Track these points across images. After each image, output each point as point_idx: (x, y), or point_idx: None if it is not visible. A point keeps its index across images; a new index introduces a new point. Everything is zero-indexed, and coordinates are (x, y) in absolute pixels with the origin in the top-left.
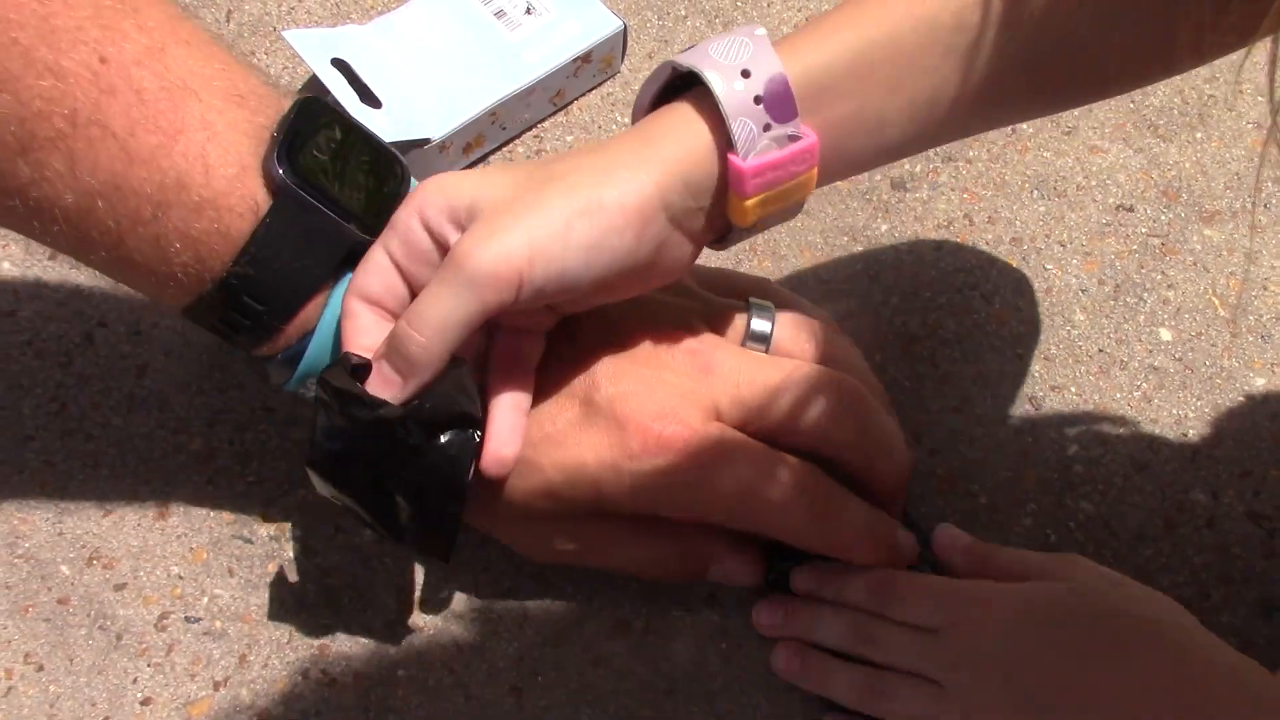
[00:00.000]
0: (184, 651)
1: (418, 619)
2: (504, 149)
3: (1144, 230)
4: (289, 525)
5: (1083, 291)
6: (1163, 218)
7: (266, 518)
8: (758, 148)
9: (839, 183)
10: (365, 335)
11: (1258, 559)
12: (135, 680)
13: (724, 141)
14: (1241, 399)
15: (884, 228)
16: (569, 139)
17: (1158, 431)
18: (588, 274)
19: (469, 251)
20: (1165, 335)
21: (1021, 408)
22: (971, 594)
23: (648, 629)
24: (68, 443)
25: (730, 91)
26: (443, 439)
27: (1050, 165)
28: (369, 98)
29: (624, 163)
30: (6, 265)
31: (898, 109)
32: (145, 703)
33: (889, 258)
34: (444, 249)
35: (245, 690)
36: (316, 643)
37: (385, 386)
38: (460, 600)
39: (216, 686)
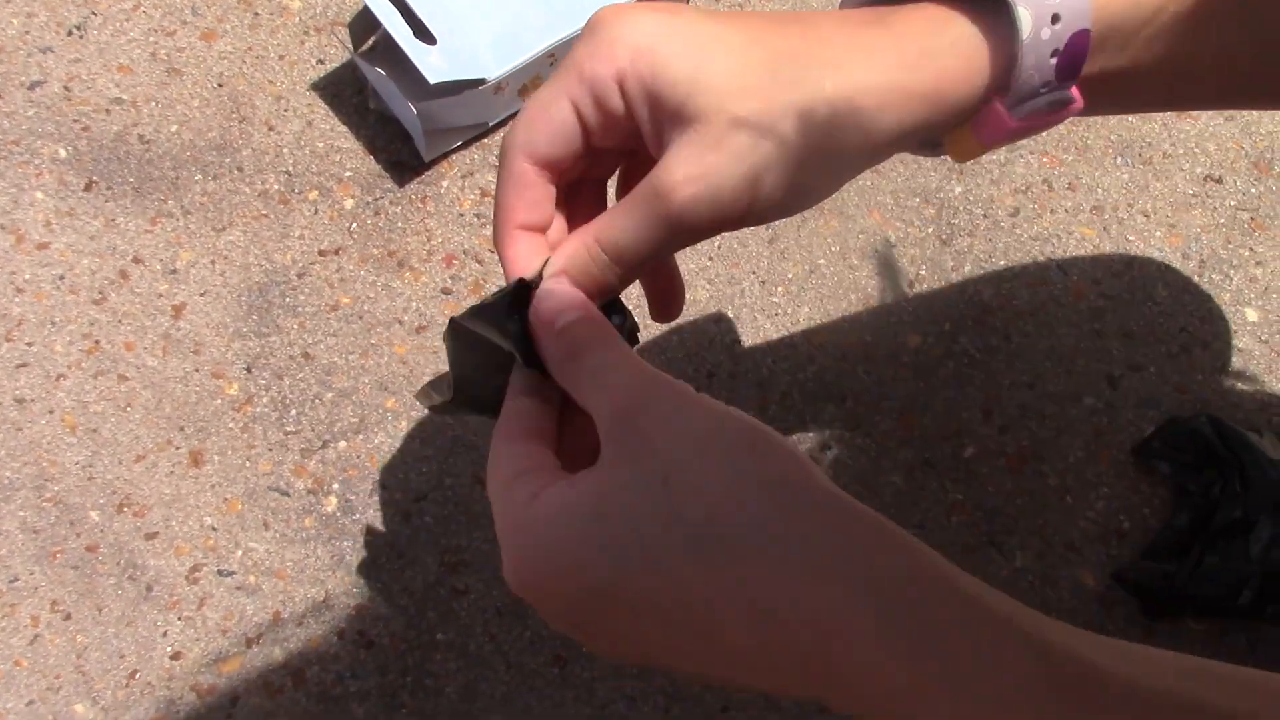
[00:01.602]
0: (216, 606)
1: (458, 582)
2: None
3: (1233, 203)
4: (327, 479)
5: (1166, 266)
6: (1253, 190)
7: (304, 470)
8: (1028, 107)
9: None
10: (533, 212)
11: None
12: (165, 633)
13: (998, 82)
14: None
15: (958, 190)
16: None
17: (1241, 415)
18: (797, 211)
19: (680, 189)
20: (1251, 315)
21: (1098, 386)
22: None
23: None
24: (100, 383)
25: (1036, 41)
26: None
27: (1135, 130)
28: (423, 33)
29: (883, 92)
30: (39, 195)
31: (1170, 73)
32: (175, 657)
33: (962, 222)
34: (639, 129)
35: (279, 649)
36: (354, 603)
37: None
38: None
39: (249, 643)
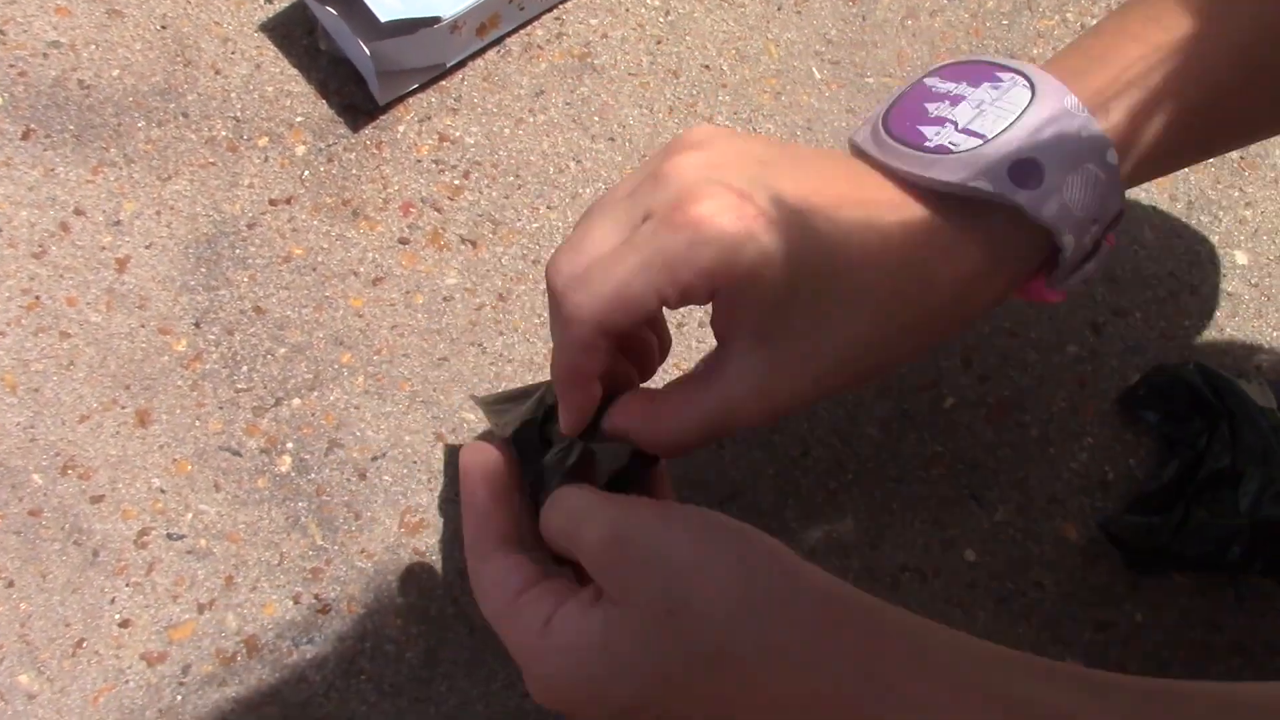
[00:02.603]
0: (165, 571)
1: (419, 542)
2: (522, 30)
3: None
4: (280, 437)
5: (1153, 209)
6: None
7: (256, 429)
8: (1072, 279)
9: (889, 79)
10: (597, 366)
11: None
12: (113, 600)
13: (1035, 269)
14: None
15: None
16: (593, 21)
17: (1230, 362)
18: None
19: (743, 406)
20: (1241, 258)
21: (1081, 333)
22: None
23: None
24: (41, 341)
25: (1078, 248)
26: None
27: None
28: None
29: (931, 310)
30: None
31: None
32: (124, 625)
33: None
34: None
35: (231, 615)
36: (309, 566)
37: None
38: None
39: (201, 609)
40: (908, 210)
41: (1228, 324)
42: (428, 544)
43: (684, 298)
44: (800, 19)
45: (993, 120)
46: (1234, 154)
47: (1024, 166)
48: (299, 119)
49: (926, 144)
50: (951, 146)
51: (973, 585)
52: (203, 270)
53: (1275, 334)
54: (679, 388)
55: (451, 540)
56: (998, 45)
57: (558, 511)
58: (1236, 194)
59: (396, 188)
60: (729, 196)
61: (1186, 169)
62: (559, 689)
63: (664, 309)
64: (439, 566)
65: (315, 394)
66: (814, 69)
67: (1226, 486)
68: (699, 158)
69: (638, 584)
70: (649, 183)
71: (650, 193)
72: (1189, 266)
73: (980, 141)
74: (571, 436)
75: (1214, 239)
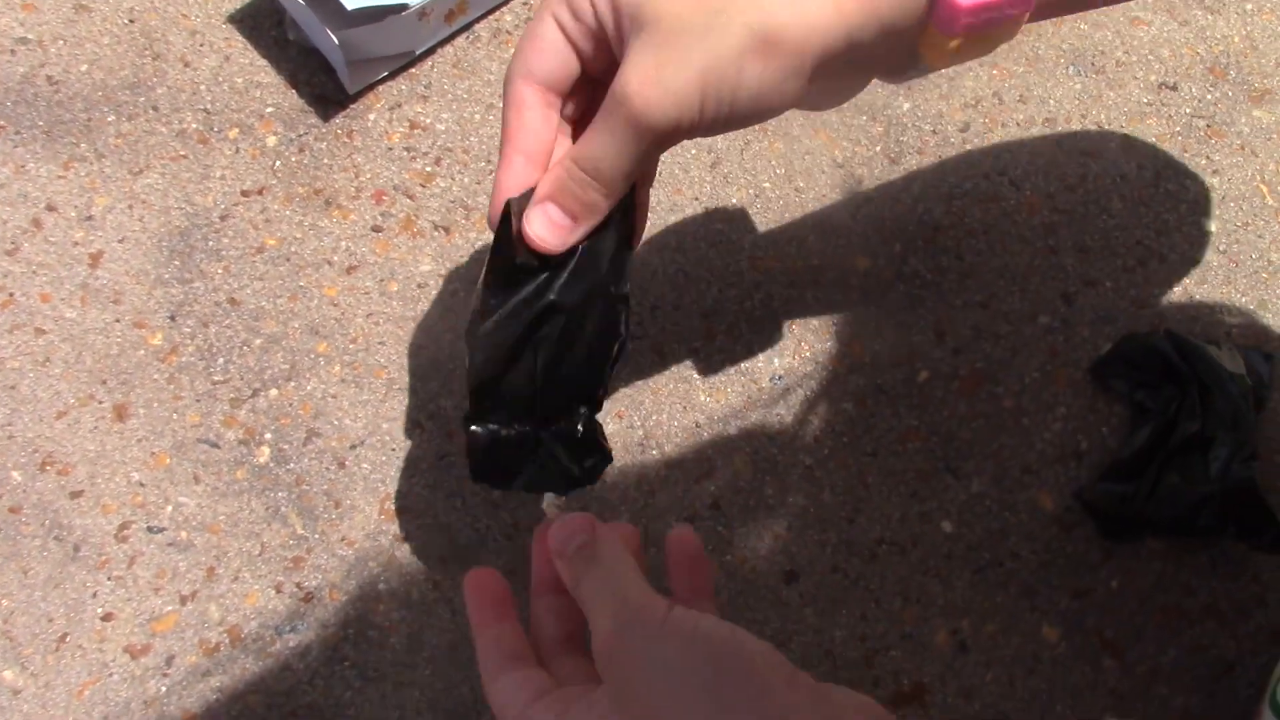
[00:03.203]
0: (147, 564)
1: (399, 528)
2: (490, 16)
3: (1188, 111)
4: (258, 428)
5: (1121, 178)
6: (1209, 97)
7: (234, 420)
8: None
9: None
10: (531, 137)
11: None
12: (95, 594)
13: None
14: None
15: (905, 106)
16: None
17: (1200, 329)
18: (754, 117)
19: (638, 93)
20: (1210, 225)
21: (1053, 304)
22: None
23: (648, 539)
24: (16, 338)
25: None
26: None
27: (1088, 39)
28: None
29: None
30: None
31: None
32: (106, 618)
33: (911, 140)
34: (608, 31)
35: (214, 605)
36: (290, 555)
37: (554, 231)
38: (445, 510)
39: (183, 601)
40: None
41: (1197, 291)
42: (408, 530)
43: (578, 20)
44: None
45: None
46: (1201, 121)
47: None
48: (269, 110)
49: None
50: None
51: (950, 556)
52: (176, 263)
53: (1244, 300)
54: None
55: (431, 527)
56: None
57: (586, 584)
58: (1203, 161)
59: (368, 176)
60: None
61: (1155, 138)
62: None
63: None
64: (420, 551)
65: (292, 384)
66: None
67: (1197, 452)
68: None
69: (626, 682)
70: None
71: None
72: (1158, 235)
73: None
74: (492, 225)
75: (1182, 207)
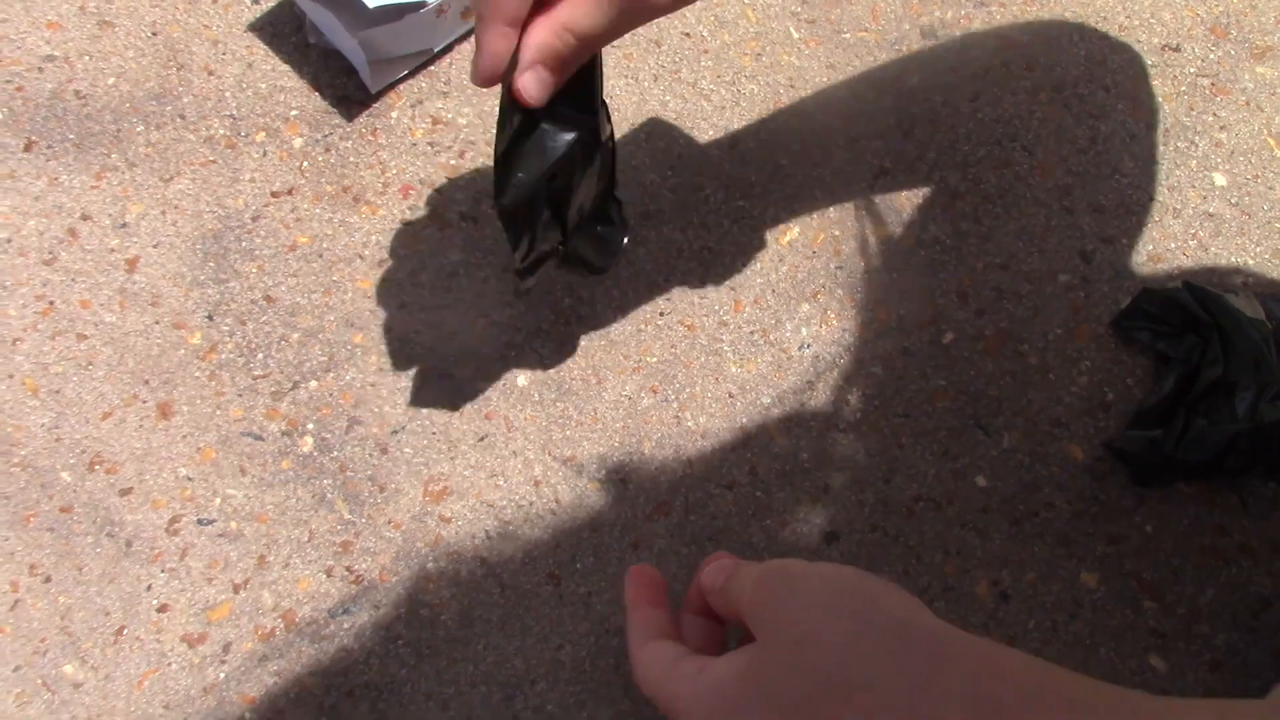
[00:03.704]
0: (199, 555)
1: (444, 510)
2: None
3: (1192, 70)
4: (300, 420)
5: (1130, 138)
6: (1211, 56)
7: (276, 413)
8: None
9: (865, 34)
10: (517, 6)
11: None
12: (149, 587)
13: None
14: None
15: (915, 80)
16: None
17: (1216, 280)
18: None
19: None
20: (1220, 180)
21: (1071, 262)
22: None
23: (688, 508)
24: (58, 344)
25: None
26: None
27: (1089, 5)
28: None
29: None
30: None
31: None
32: (162, 609)
33: (922, 112)
34: None
35: (267, 592)
36: (339, 540)
37: (541, 89)
38: (488, 489)
39: (236, 589)
40: None
41: (1212, 243)
42: (453, 510)
43: None
44: None
45: None
46: (1205, 80)
47: None
48: (294, 113)
49: None
50: None
51: (986, 510)
52: (211, 264)
53: (1258, 250)
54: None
55: (476, 505)
56: (956, 10)
57: (727, 584)
58: (1210, 119)
59: (395, 172)
60: None
61: (1161, 99)
62: (706, 714)
63: None
64: (466, 530)
65: (331, 375)
66: (791, 29)
67: (1223, 395)
68: None
69: (776, 618)
70: None
71: None
72: (1170, 191)
73: None
74: (480, 82)
75: (1192, 163)
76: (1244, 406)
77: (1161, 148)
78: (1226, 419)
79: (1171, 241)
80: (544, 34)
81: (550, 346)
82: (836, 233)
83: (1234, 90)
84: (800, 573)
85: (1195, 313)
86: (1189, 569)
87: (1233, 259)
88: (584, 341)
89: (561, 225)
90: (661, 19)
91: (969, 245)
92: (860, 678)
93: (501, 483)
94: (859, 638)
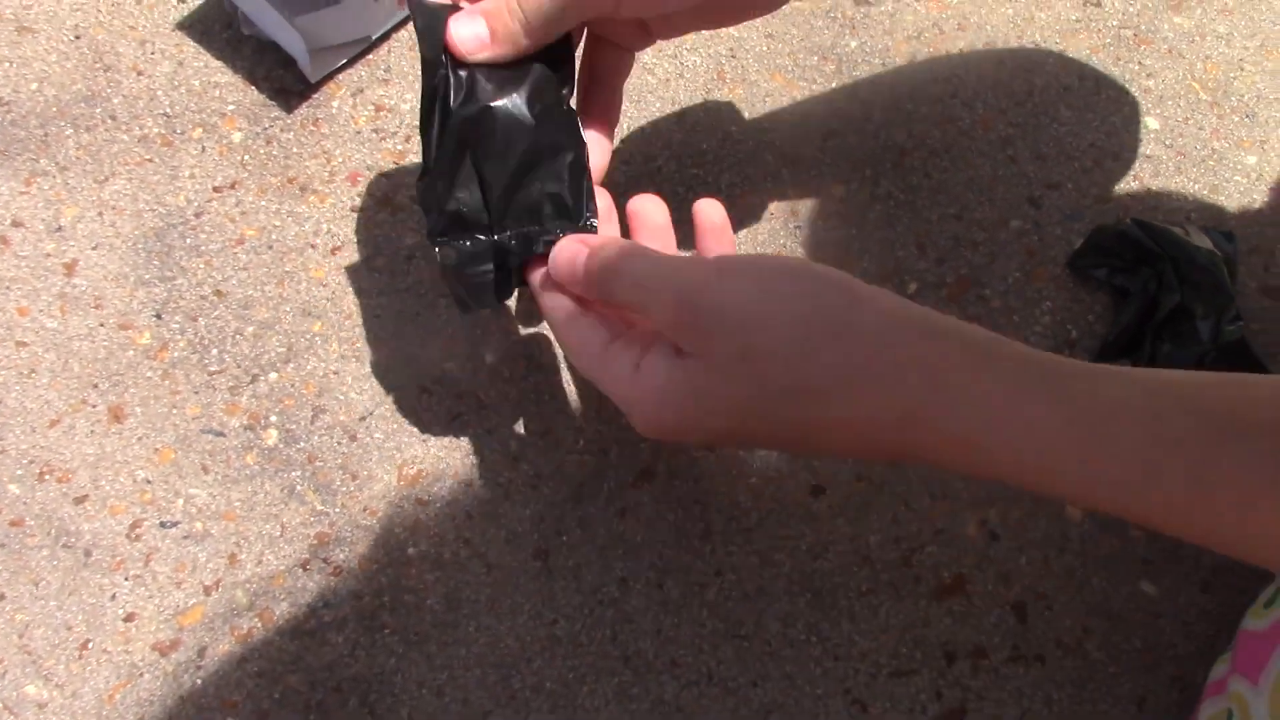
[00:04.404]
0: (164, 559)
1: (421, 493)
2: None
3: (1115, 23)
4: (262, 412)
5: (1064, 88)
6: (1131, 9)
7: (236, 407)
8: None
9: (800, 2)
10: None
11: None
12: (114, 596)
13: None
14: (1238, 178)
15: (853, 44)
16: None
17: (1161, 217)
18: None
19: None
20: (1153, 124)
21: (1021, 208)
22: None
23: (671, 473)
24: None
25: None
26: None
27: None
28: None
29: None
30: None
31: None
32: (129, 619)
33: (863, 74)
34: None
35: (240, 591)
36: (313, 532)
37: (474, 42)
38: (466, 467)
39: (207, 591)
40: None
41: (1152, 183)
42: (430, 492)
43: None
44: None
45: None
46: (1128, 31)
47: None
48: (230, 107)
49: None
50: None
51: None
52: (155, 263)
53: (1196, 187)
54: None
55: (455, 485)
56: None
57: (623, 280)
58: (1136, 67)
59: (340, 160)
60: None
61: (1089, 50)
62: (659, 424)
63: None
64: (445, 512)
65: (291, 365)
66: None
67: (1184, 320)
68: None
69: (710, 339)
70: None
71: None
72: (1107, 136)
73: None
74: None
75: (1125, 110)
76: (1207, 328)
77: (1095, 97)
78: (1191, 342)
79: (1114, 183)
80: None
81: (517, 322)
82: (792, 194)
83: (1156, 39)
84: (724, 294)
85: (1147, 246)
86: None
87: (1175, 197)
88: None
89: (482, 189)
90: None
91: (921, 198)
92: (811, 378)
93: (478, 461)
94: (803, 342)
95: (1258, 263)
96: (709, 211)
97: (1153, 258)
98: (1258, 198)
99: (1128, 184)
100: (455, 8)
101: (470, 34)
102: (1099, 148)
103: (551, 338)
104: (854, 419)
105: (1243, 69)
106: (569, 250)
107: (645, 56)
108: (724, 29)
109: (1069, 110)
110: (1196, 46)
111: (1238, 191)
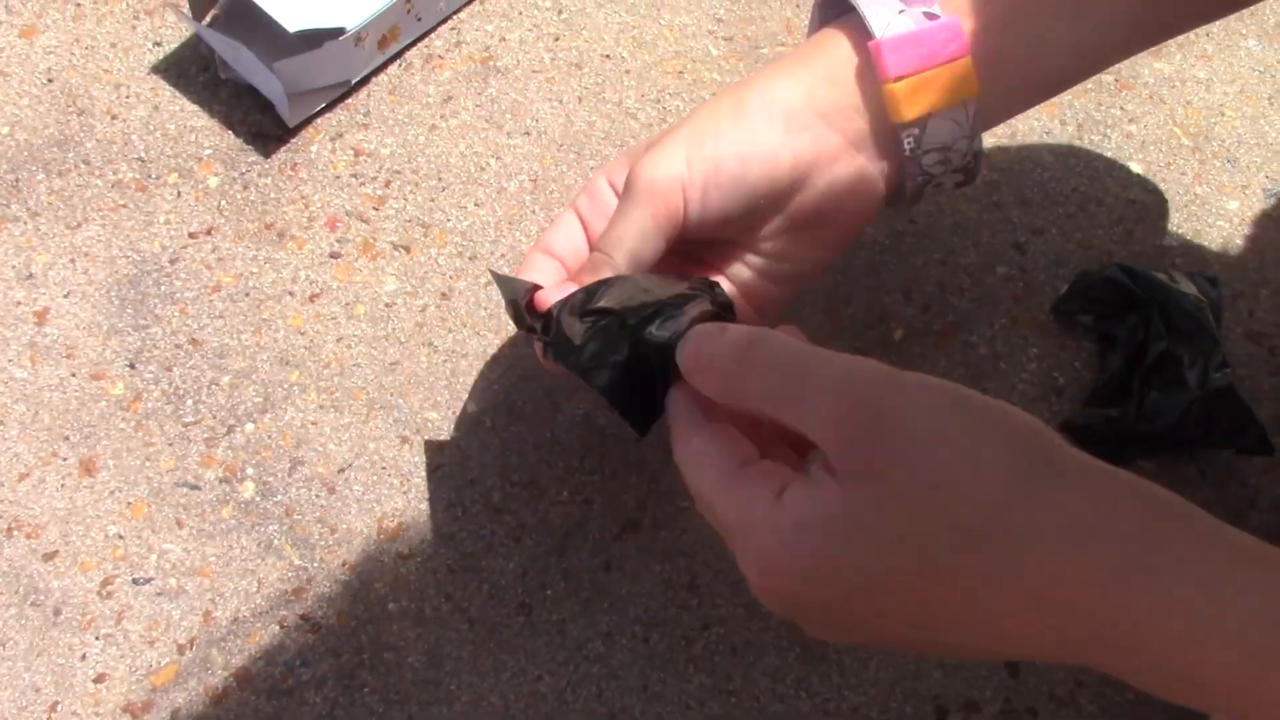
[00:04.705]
0: (137, 617)
1: (401, 546)
2: (421, 43)
3: None
4: (238, 465)
5: (1047, 134)
6: None
7: (211, 459)
8: (893, 28)
9: (782, 48)
10: (538, 274)
11: (1265, 377)
12: (84, 656)
13: (864, 33)
14: (1221, 223)
15: None
16: (489, 27)
17: (1146, 262)
18: (747, 176)
19: (636, 170)
20: (1136, 168)
21: (1007, 254)
22: None
23: (656, 524)
24: None
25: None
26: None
27: None
28: None
29: (771, 72)
30: None
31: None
32: (99, 680)
33: None
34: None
35: (215, 650)
36: (290, 587)
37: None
38: (446, 521)
39: (181, 650)
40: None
41: (1136, 228)
42: (410, 546)
43: (591, 201)
44: (688, 3)
45: None
46: (1109, 76)
47: None
48: (207, 152)
49: None
50: None
51: None
52: (129, 311)
53: (1180, 231)
54: None
55: (436, 540)
56: None
57: (765, 369)
58: (1119, 112)
59: (319, 205)
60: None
61: (1071, 96)
62: (785, 566)
63: None
64: (426, 566)
65: (268, 416)
66: (710, 47)
67: (1171, 367)
68: None
69: (893, 459)
70: None
71: None
72: (1090, 181)
73: None
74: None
75: (1107, 154)
76: (1194, 375)
77: (1077, 141)
78: (1179, 388)
79: (1098, 228)
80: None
81: (498, 371)
82: None
83: (1137, 85)
84: (916, 408)
85: (1133, 291)
86: None
87: (1158, 241)
88: (534, 364)
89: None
90: (579, 42)
91: (906, 244)
92: (1015, 523)
93: (460, 514)
94: (1014, 481)
95: (1242, 307)
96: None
97: (1139, 304)
98: (1240, 242)
99: (1112, 229)
100: (536, 286)
101: (703, 336)
102: (1082, 193)
103: (544, 381)
104: (1046, 579)
105: (1223, 114)
106: (701, 334)
107: (627, 101)
108: None
109: (1052, 155)
110: (1177, 92)
111: (1220, 236)
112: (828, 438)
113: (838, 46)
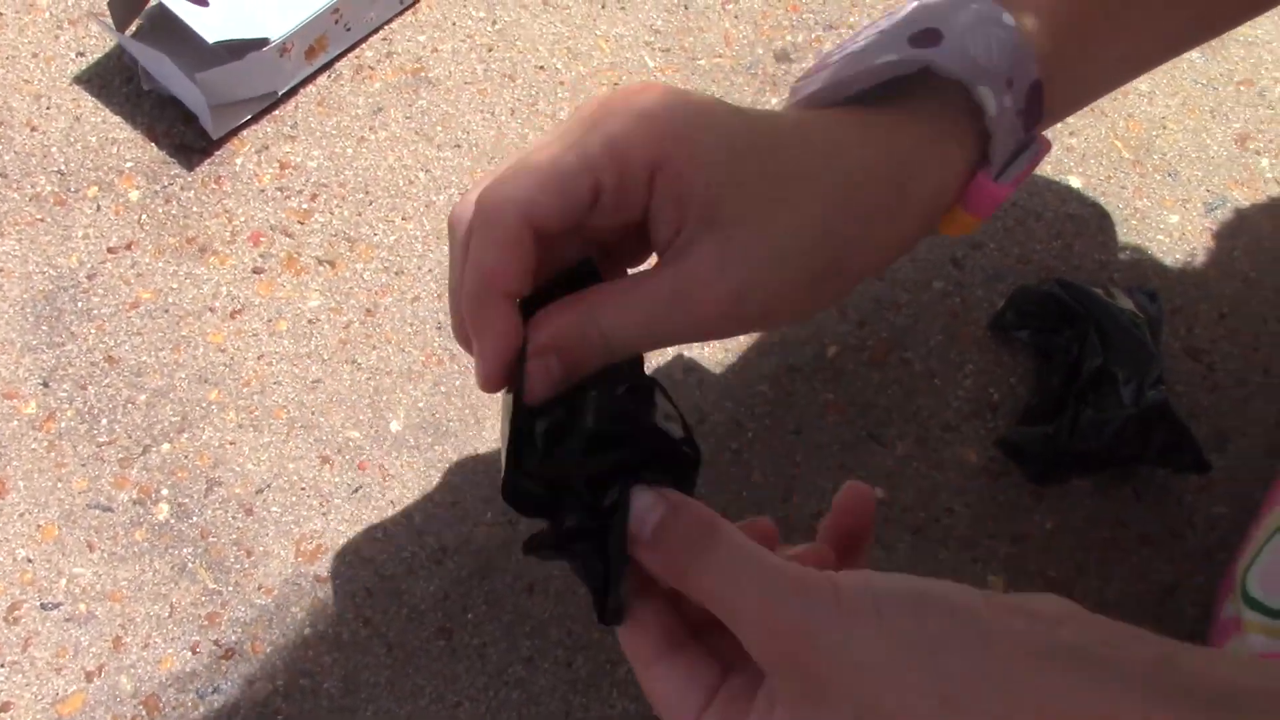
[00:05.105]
0: (44, 643)
1: (320, 569)
2: (351, 53)
3: None
4: (153, 486)
5: None
6: None
7: (125, 480)
8: (1011, 171)
9: (720, 59)
10: (520, 279)
11: (1202, 393)
12: None
13: (976, 160)
14: (1161, 237)
15: (773, 102)
16: (421, 38)
17: (1085, 277)
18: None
19: (698, 298)
20: (1075, 182)
21: (944, 269)
22: None
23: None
24: None
25: (1000, 110)
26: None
27: None
28: None
29: (876, 200)
30: None
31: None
32: (3, 709)
33: None
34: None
35: (125, 677)
36: (204, 612)
37: (546, 385)
38: (366, 543)
39: (89, 677)
40: (833, 112)
41: (1075, 242)
42: (329, 569)
43: (621, 182)
44: (625, 14)
45: (886, 20)
46: None
47: (924, 36)
48: (129, 165)
49: (830, 57)
50: (851, 46)
51: (887, 520)
52: (44, 328)
53: (1120, 245)
54: (624, 280)
55: (354, 561)
56: (815, 19)
57: (710, 572)
58: (1059, 125)
59: (243, 219)
60: (661, 88)
61: None
62: None
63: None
64: (345, 589)
65: (185, 436)
66: (646, 58)
67: (1106, 384)
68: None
69: (823, 683)
70: (576, 121)
71: (579, 123)
72: (1029, 196)
73: (876, 31)
74: (487, 388)
75: (1047, 168)
76: (1129, 392)
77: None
78: (1114, 406)
79: (1037, 243)
80: (570, 320)
81: (423, 388)
82: None
83: None
84: (844, 630)
85: (1070, 306)
86: (1092, 563)
87: (1097, 256)
88: (459, 381)
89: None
90: (513, 53)
91: None
92: None
93: (380, 535)
94: (940, 704)
95: (1181, 323)
96: (857, 492)
97: (1076, 319)
98: (1180, 257)
99: (1051, 244)
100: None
101: (541, 383)
102: (1021, 207)
103: (467, 403)
104: None
105: (1165, 127)
106: (644, 501)
107: (561, 114)
108: None
109: None
110: (1119, 104)
111: (1160, 251)
112: (759, 648)
113: (951, 173)
